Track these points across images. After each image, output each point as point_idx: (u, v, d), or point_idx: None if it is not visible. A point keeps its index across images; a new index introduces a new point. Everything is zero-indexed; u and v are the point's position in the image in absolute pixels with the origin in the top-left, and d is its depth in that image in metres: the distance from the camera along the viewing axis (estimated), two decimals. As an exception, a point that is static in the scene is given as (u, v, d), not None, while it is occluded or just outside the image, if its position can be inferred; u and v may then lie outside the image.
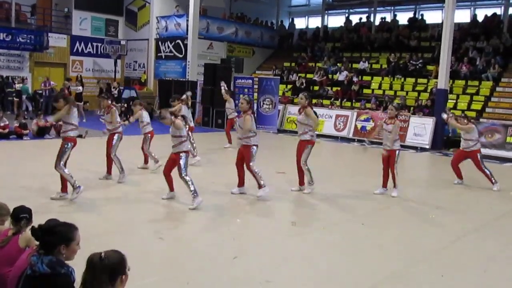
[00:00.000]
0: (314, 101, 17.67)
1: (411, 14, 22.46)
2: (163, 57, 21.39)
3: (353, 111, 16.07)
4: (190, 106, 10.74)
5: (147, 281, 4.09)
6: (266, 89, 17.12)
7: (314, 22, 26.15)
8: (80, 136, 6.79)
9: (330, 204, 7.22)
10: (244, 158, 7.22)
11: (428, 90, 16.56)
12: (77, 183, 6.52)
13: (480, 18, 19.97)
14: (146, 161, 9.12)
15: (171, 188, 6.87)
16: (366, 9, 24.15)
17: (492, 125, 13.57)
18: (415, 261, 4.99)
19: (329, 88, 18.94)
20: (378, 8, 23.11)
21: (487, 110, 15.55)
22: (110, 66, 21.54)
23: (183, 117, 6.86)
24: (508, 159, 12.63)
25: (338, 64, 20.07)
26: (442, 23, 15.72)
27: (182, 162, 6.50)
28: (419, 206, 7.39)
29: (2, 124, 12.14)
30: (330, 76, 19.73)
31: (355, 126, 15.63)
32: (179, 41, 20.41)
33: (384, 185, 7.84)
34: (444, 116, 9.48)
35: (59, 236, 2.62)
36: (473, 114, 15.02)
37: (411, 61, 18.28)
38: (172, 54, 20.94)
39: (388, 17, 23.22)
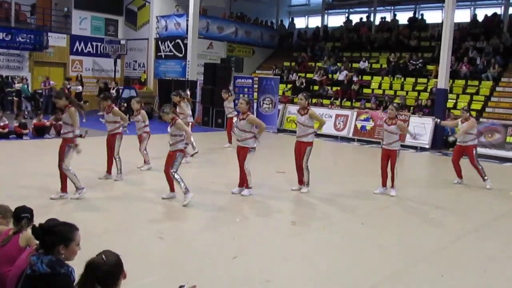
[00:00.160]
0: (314, 100, 17.73)
1: (411, 14, 22.46)
2: (163, 56, 21.38)
3: (353, 111, 16.07)
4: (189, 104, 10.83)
5: (147, 280, 4.09)
6: (266, 88, 17.12)
7: (314, 22, 26.15)
8: (80, 136, 6.80)
9: (330, 204, 7.22)
10: (241, 157, 7.25)
11: (428, 90, 16.57)
12: (81, 185, 6.55)
13: (480, 18, 19.97)
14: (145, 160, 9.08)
15: (172, 189, 6.88)
16: (366, 9, 24.16)
17: (492, 125, 13.56)
18: (415, 261, 4.99)
19: (329, 87, 18.95)
20: (378, 8, 23.11)
21: (487, 110, 15.55)
22: (110, 66, 21.54)
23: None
24: (508, 159, 12.63)
25: (338, 63, 20.07)
26: (442, 23, 15.72)
27: (177, 160, 6.64)
28: (419, 206, 7.39)
29: (1, 124, 12.14)
30: (330, 75, 19.73)
31: (355, 125, 15.63)
32: (179, 40, 20.41)
33: (384, 184, 7.85)
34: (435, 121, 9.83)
35: (58, 236, 2.61)
36: (473, 114, 14.97)
37: (411, 61, 18.28)
38: (172, 53, 20.94)
39: (388, 17, 23.23)
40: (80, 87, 18.62)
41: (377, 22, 22.73)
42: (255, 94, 17.27)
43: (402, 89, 17.73)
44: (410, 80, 17.91)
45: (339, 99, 17.93)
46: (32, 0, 20.53)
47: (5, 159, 9.71)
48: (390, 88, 17.96)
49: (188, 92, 11.39)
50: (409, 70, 18.18)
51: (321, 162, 10.07)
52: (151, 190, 7.36)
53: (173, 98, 10.27)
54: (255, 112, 16.70)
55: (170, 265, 4.65)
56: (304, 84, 19.24)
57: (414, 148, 14.02)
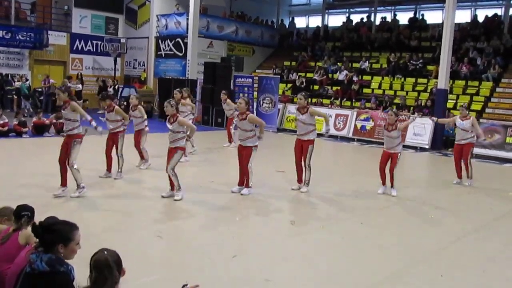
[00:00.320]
0: (314, 100, 17.74)
1: (411, 14, 22.45)
2: (163, 55, 21.37)
3: (353, 111, 16.06)
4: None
5: (147, 280, 4.08)
6: (266, 88, 17.11)
7: (315, 21, 26.13)
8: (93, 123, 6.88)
9: (330, 204, 7.22)
10: (243, 157, 7.23)
11: (428, 90, 16.55)
12: (82, 184, 6.56)
13: (480, 19, 19.96)
14: (142, 157, 9.00)
15: (172, 187, 6.87)
16: (367, 9, 24.14)
17: (492, 125, 13.55)
18: (415, 261, 4.98)
19: (329, 87, 18.93)
20: (378, 8, 23.09)
21: (487, 110, 15.54)
22: (110, 64, 21.51)
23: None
24: (507, 159, 12.63)
25: (338, 63, 20.05)
26: (442, 23, 15.71)
27: (176, 157, 6.69)
28: (419, 206, 7.38)
29: (1, 122, 12.13)
30: (330, 75, 19.71)
31: (355, 125, 15.63)
32: (179, 39, 20.39)
33: (383, 182, 7.87)
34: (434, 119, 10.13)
35: (57, 235, 2.61)
36: (473, 114, 14.94)
37: (411, 61, 18.26)
38: (172, 52, 20.92)
39: (389, 17, 23.20)
40: (80, 86, 18.60)
41: (377, 22, 22.70)
42: (255, 93, 17.25)
43: (402, 89, 17.71)
44: (410, 80, 17.90)
45: (339, 99, 17.93)
46: (32, -2, 20.54)
47: (5, 157, 9.70)
48: (390, 88, 17.95)
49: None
50: (409, 70, 18.16)
51: (321, 162, 10.06)
52: (150, 189, 7.35)
53: (176, 95, 10.26)
54: (255, 112, 16.71)
55: (170, 264, 4.65)
56: (304, 84, 19.23)
57: (414, 148, 14.02)
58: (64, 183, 6.61)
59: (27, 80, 18.32)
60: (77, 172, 6.50)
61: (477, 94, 16.22)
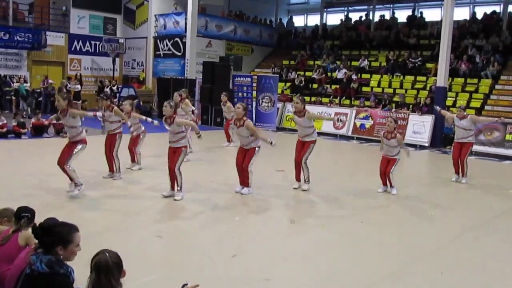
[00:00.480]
0: (313, 99, 17.75)
1: (410, 12, 22.43)
2: (162, 55, 21.35)
3: (352, 109, 16.06)
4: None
5: (146, 280, 4.08)
6: (265, 87, 17.10)
7: (313, 20, 26.12)
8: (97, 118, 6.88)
9: (329, 202, 7.21)
10: (246, 157, 7.21)
11: (427, 88, 16.55)
12: (80, 180, 6.58)
13: (479, 16, 19.96)
14: (134, 160, 8.87)
15: (173, 187, 6.87)
16: (365, 7, 24.13)
17: (491, 123, 13.54)
18: (415, 260, 4.98)
19: (328, 86, 18.93)
20: (377, 6, 23.09)
21: (486, 108, 15.55)
22: (108, 65, 21.49)
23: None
24: (507, 157, 12.64)
25: (337, 62, 20.05)
26: (441, 20, 15.70)
27: (180, 157, 6.70)
28: (418, 204, 7.38)
29: (0, 123, 12.11)
30: (329, 74, 19.71)
31: (354, 124, 15.63)
32: (177, 39, 20.38)
33: (384, 183, 7.87)
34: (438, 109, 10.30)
35: (56, 237, 2.60)
36: (472, 112, 14.97)
37: (410, 59, 18.26)
38: (170, 52, 20.90)
39: (387, 15, 23.20)
40: (79, 86, 18.57)
41: (376, 20, 22.71)
42: (254, 92, 17.24)
43: (401, 87, 17.71)
44: (409, 78, 17.89)
45: (338, 98, 17.92)
46: (30, -2, 20.51)
47: (5, 158, 9.69)
48: (389, 86, 17.95)
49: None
50: (408, 68, 18.16)
51: (321, 161, 10.07)
52: (150, 189, 7.35)
53: (175, 97, 10.24)
54: (254, 111, 16.71)
55: (170, 264, 4.64)
56: (303, 83, 19.22)
57: (414, 146, 14.01)
58: (71, 180, 6.62)
59: (25, 81, 18.27)
60: (72, 172, 6.51)
61: (476, 91, 16.23)
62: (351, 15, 24.52)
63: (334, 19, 25.21)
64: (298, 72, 20.24)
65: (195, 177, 8.13)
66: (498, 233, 6.10)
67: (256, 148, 7.19)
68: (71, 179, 6.56)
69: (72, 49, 21.10)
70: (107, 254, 2.52)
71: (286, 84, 19.72)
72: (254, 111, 16.78)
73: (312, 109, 14.98)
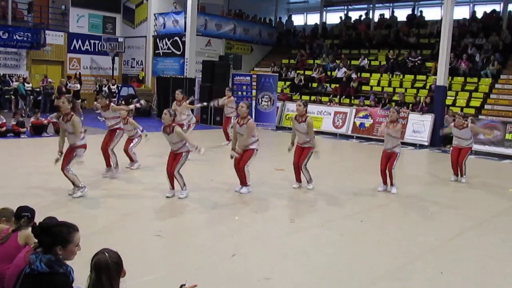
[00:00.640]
0: (313, 98, 17.74)
1: (409, 11, 22.41)
2: (161, 54, 21.34)
3: (352, 108, 16.06)
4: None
5: (146, 279, 4.07)
6: (264, 86, 17.09)
7: (313, 19, 26.10)
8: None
9: (329, 201, 7.21)
10: (243, 158, 7.17)
11: (427, 87, 16.54)
12: (81, 183, 6.57)
13: (479, 15, 19.94)
14: (131, 159, 8.85)
15: (173, 187, 6.86)
16: (365, 6, 24.11)
17: (491, 122, 13.56)
18: (414, 258, 4.98)
19: (328, 85, 18.91)
20: (376, 5, 23.07)
21: (486, 107, 15.54)
22: (107, 64, 21.47)
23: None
24: (506, 156, 12.64)
25: (336, 61, 20.03)
26: (441, 19, 15.69)
27: (182, 160, 6.73)
28: (418, 203, 7.38)
29: (-1, 122, 12.11)
30: (328, 73, 19.70)
31: (354, 123, 15.62)
32: (177, 38, 20.36)
33: (384, 182, 7.87)
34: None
35: (55, 237, 2.60)
36: (472, 111, 15.01)
37: (410, 58, 18.24)
38: (170, 51, 20.89)
39: (387, 14, 23.19)
40: (78, 85, 18.56)
41: (375, 19, 22.70)
42: (254, 91, 17.23)
43: (401, 86, 17.70)
44: (409, 77, 17.88)
45: (338, 97, 17.91)
46: (29, -2, 20.48)
47: (4, 157, 9.68)
48: (389, 85, 17.94)
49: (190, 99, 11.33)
50: (408, 67, 18.15)
51: (320, 159, 10.06)
52: (150, 189, 7.34)
53: (177, 95, 10.22)
54: (253, 110, 16.70)
55: (169, 263, 4.64)
56: (303, 82, 19.21)
57: (413, 145, 14.02)
58: (74, 184, 6.60)
59: (25, 80, 18.23)
60: (73, 176, 6.47)
61: (476, 90, 16.22)
62: (350, 14, 24.51)
63: (333, 18, 25.19)
64: (297, 71, 20.23)
65: (194, 176, 8.11)
66: (498, 231, 6.09)
67: (255, 150, 7.17)
68: (72, 183, 6.54)
69: (72, 48, 21.08)
70: (107, 254, 2.51)
71: (286, 83, 19.72)
72: (253, 110, 16.76)
73: (312, 108, 15.01)
